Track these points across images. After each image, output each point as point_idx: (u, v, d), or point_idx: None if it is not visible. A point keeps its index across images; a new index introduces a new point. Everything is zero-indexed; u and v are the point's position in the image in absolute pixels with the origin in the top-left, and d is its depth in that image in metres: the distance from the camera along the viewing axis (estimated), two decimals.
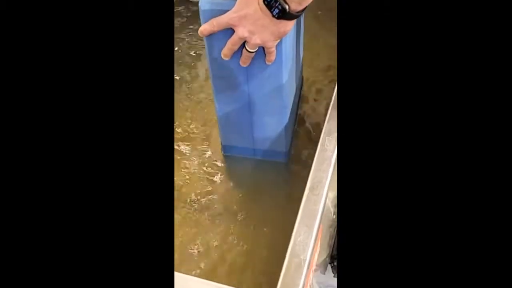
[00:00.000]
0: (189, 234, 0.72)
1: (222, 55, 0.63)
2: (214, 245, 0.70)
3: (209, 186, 0.78)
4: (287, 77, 0.68)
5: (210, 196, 0.76)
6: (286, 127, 0.74)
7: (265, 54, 0.63)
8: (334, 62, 0.92)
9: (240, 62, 0.64)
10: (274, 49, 0.62)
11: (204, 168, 0.80)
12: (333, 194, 0.81)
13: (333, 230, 0.88)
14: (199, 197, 0.76)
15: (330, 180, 0.60)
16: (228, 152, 0.82)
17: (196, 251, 0.70)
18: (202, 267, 0.68)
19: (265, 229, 0.72)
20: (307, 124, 0.85)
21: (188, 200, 0.76)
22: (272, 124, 0.74)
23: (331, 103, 0.66)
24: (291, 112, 0.75)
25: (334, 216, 0.86)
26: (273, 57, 0.63)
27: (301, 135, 0.84)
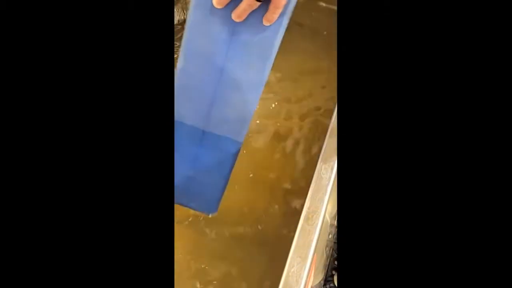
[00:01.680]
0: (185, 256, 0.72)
1: (214, 2, 0.50)
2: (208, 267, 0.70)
3: None
4: (275, 51, 0.55)
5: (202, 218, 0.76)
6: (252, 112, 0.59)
7: (267, 10, 0.49)
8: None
9: (232, 15, 0.50)
10: (285, 3, 0.48)
11: None
12: (331, 206, 0.80)
13: (329, 250, 0.88)
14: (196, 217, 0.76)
15: (326, 207, 0.60)
16: None
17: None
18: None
19: (261, 251, 0.71)
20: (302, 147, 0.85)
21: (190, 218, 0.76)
22: (237, 105, 0.58)
23: (329, 130, 0.66)
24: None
25: (330, 236, 0.86)
26: (276, 15, 0.49)
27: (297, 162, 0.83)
